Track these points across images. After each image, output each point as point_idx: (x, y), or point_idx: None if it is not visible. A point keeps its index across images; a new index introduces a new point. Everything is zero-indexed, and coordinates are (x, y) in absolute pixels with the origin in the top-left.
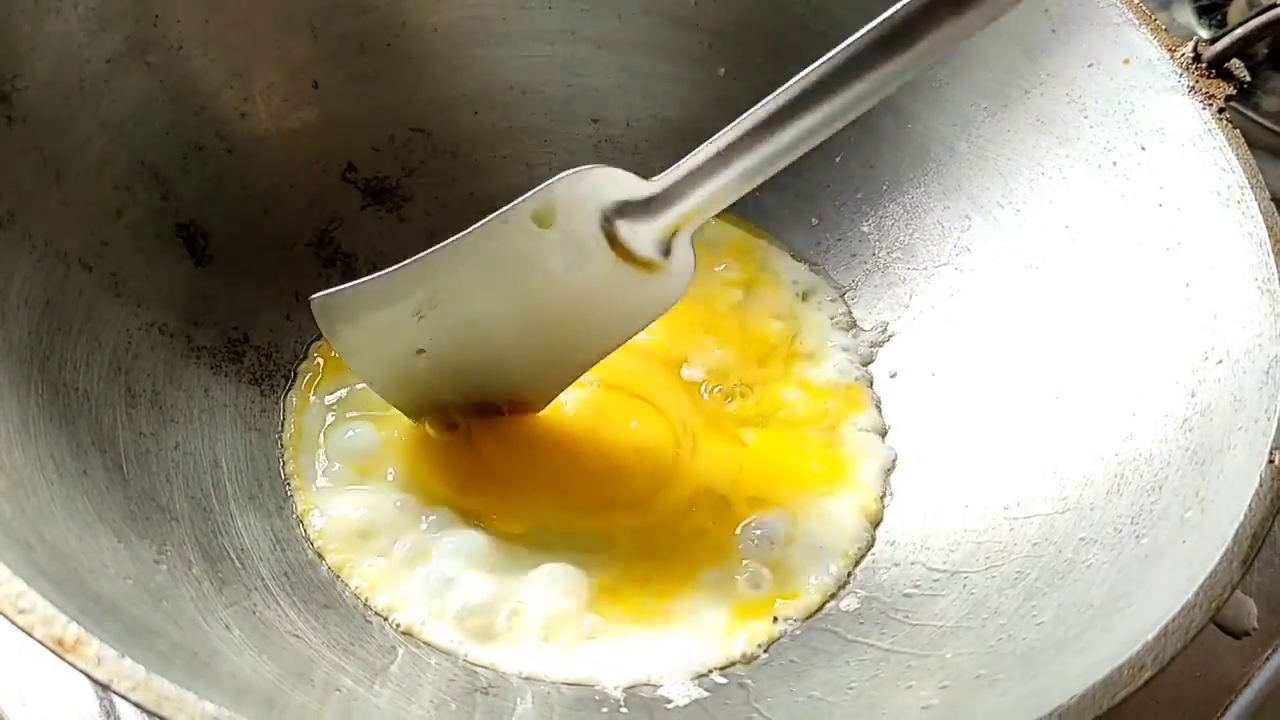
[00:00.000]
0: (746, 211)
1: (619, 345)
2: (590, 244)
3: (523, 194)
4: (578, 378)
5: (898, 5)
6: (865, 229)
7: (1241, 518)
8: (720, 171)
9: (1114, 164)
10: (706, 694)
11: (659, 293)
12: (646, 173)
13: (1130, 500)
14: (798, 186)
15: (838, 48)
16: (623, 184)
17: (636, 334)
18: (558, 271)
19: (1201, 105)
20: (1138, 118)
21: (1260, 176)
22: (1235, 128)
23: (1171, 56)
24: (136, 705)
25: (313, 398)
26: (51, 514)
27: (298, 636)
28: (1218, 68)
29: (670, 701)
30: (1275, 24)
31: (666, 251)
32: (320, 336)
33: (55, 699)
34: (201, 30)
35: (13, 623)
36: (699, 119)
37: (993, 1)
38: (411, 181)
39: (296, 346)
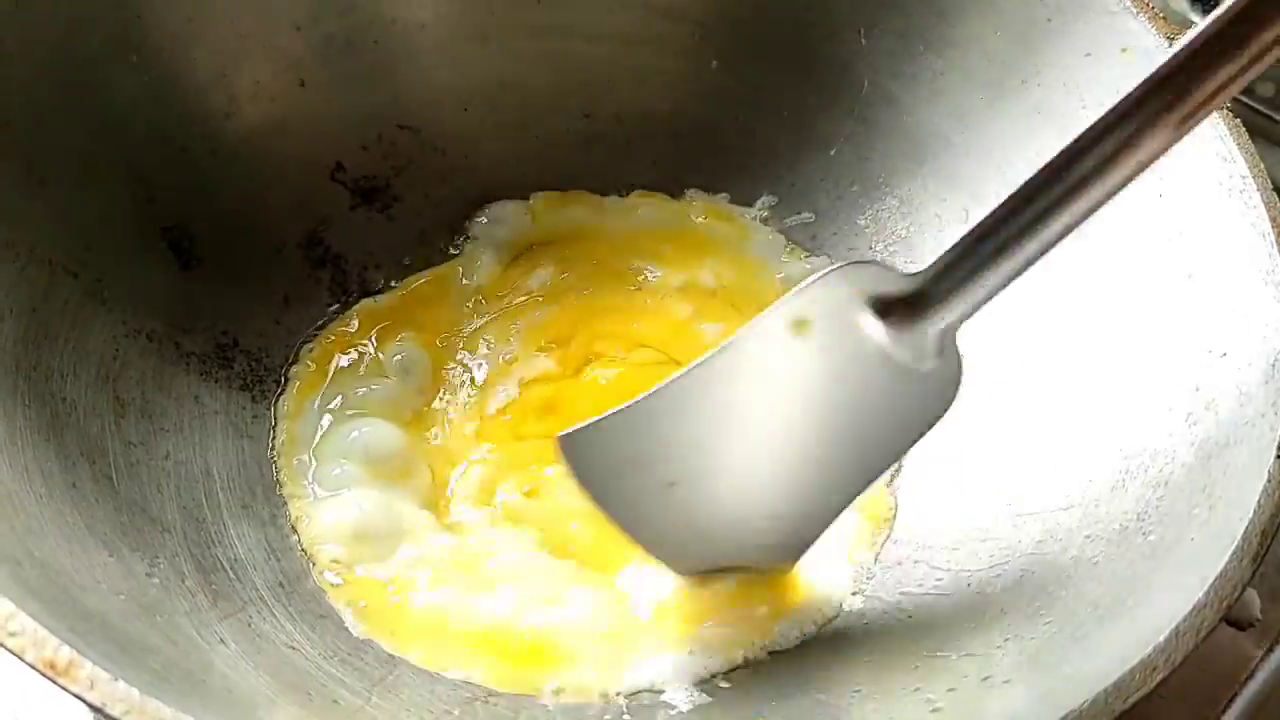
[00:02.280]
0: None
1: (887, 466)
2: (852, 348)
3: (513, 191)
4: (841, 510)
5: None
6: (861, 222)
7: (1250, 514)
8: (993, 258)
9: None
10: (710, 699)
11: (926, 399)
12: (641, 169)
13: (1136, 496)
14: (793, 180)
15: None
16: (882, 279)
17: (907, 451)
18: (819, 383)
19: None
20: None
21: (1262, 166)
22: (1235, 116)
23: (1169, 45)
24: None
25: (305, 403)
26: (40, 529)
27: (294, 649)
28: None
29: (674, 707)
30: None
31: (934, 352)
32: (310, 339)
33: (49, 716)
34: (184, 30)
35: (2, 645)
36: (690, 113)
37: None
38: (401, 180)
39: (287, 351)
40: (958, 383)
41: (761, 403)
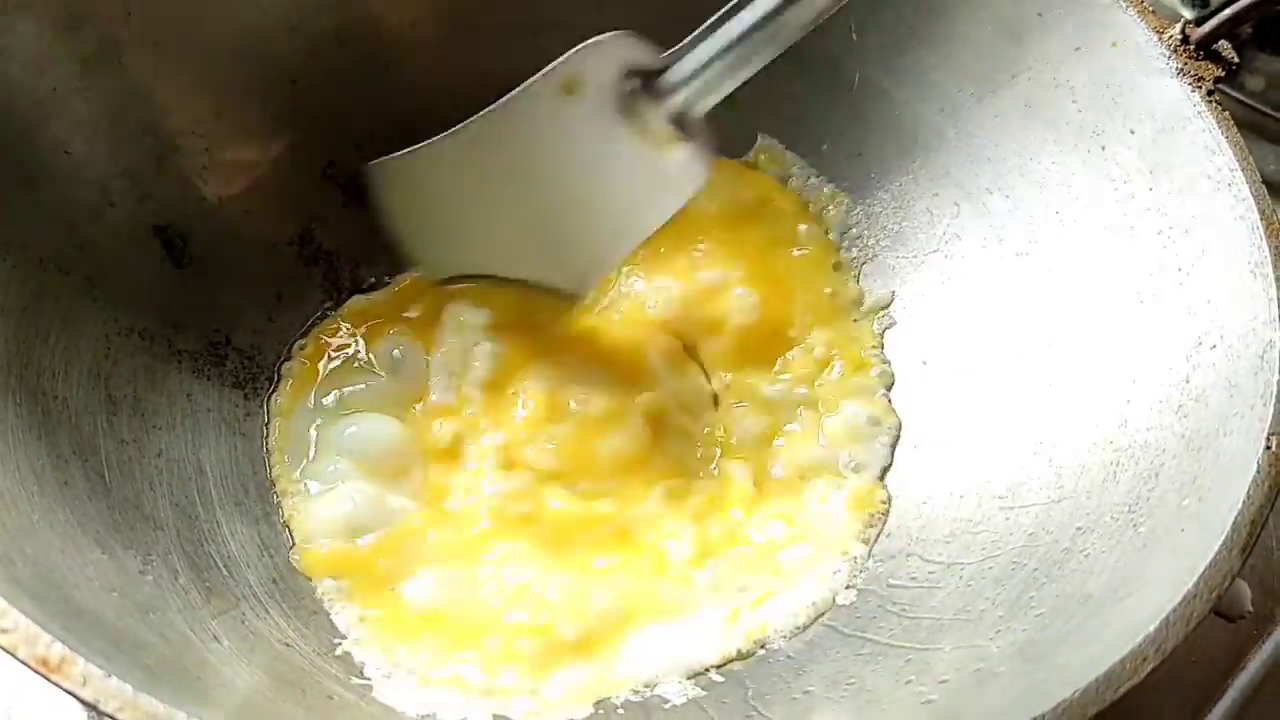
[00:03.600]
0: None
1: (650, 228)
2: (614, 111)
3: None
4: (610, 264)
5: None
6: (853, 218)
7: (1240, 505)
8: (732, 44)
9: (1103, 148)
10: (704, 693)
11: (682, 174)
12: None
13: (1127, 488)
14: (786, 175)
15: None
16: (640, 50)
17: (666, 218)
18: (588, 139)
19: (1190, 88)
20: (1126, 101)
21: (1250, 159)
22: (1224, 109)
23: (1159, 39)
24: None
25: (298, 399)
26: (32, 527)
27: (288, 645)
28: (1205, 49)
29: (668, 701)
30: (1262, 3)
31: (683, 132)
32: (303, 336)
33: (43, 713)
34: (176, 27)
35: None
36: None
37: None
38: None
39: (280, 348)
40: (705, 160)
41: (541, 151)
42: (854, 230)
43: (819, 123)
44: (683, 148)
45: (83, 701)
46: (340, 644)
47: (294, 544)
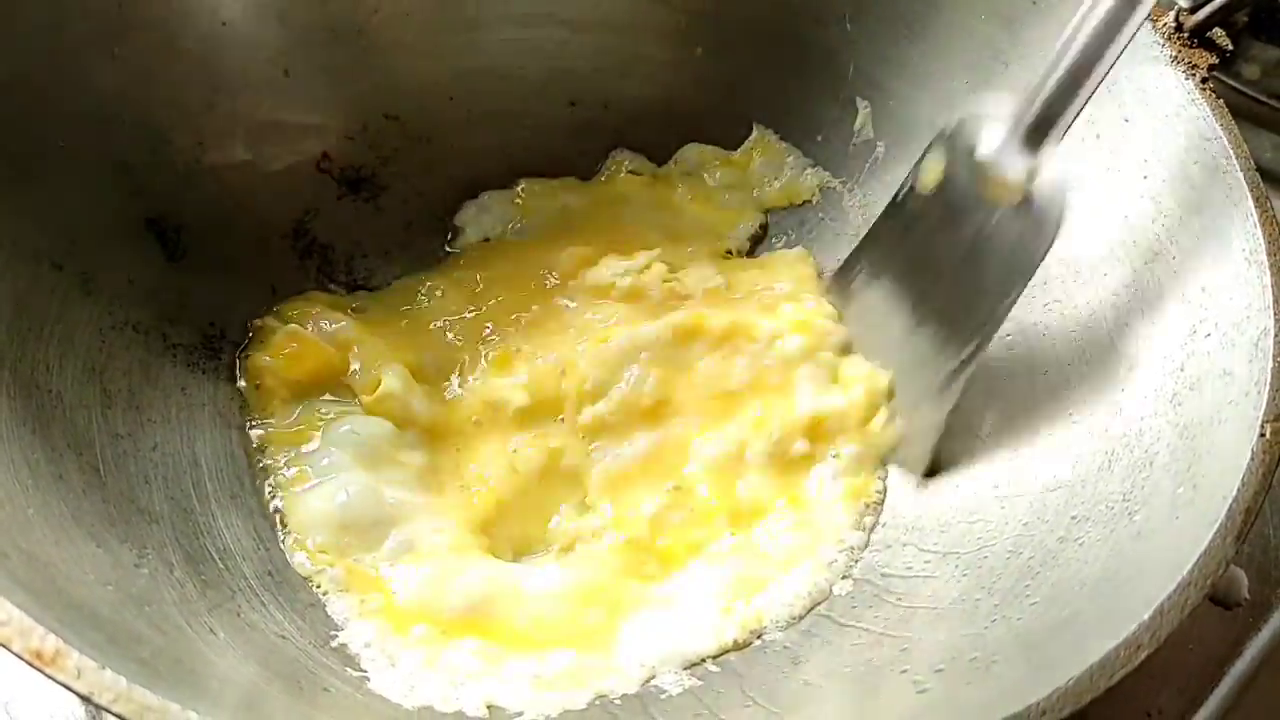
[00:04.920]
0: None
1: (1031, 274)
2: (977, 192)
3: (499, 179)
4: (995, 324)
5: None
6: (848, 206)
7: (1234, 492)
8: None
9: (1098, 136)
10: (700, 683)
11: (1035, 224)
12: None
13: (1121, 477)
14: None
15: None
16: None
17: (1031, 275)
18: (962, 225)
19: (1184, 75)
20: (1120, 89)
21: (1244, 146)
22: (1218, 97)
23: (1153, 26)
24: (119, 717)
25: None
26: (27, 521)
27: (284, 638)
28: (1199, 37)
29: (664, 692)
30: None
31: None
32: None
33: (40, 707)
34: (168, 19)
35: None
36: (677, 99)
37: None
38: (387, 170)
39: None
40: (1061, 197)
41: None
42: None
43: (814, 113)
44: (1040, 187)
45: (77, 694)
46: (336, 636)
47: (293, 539)
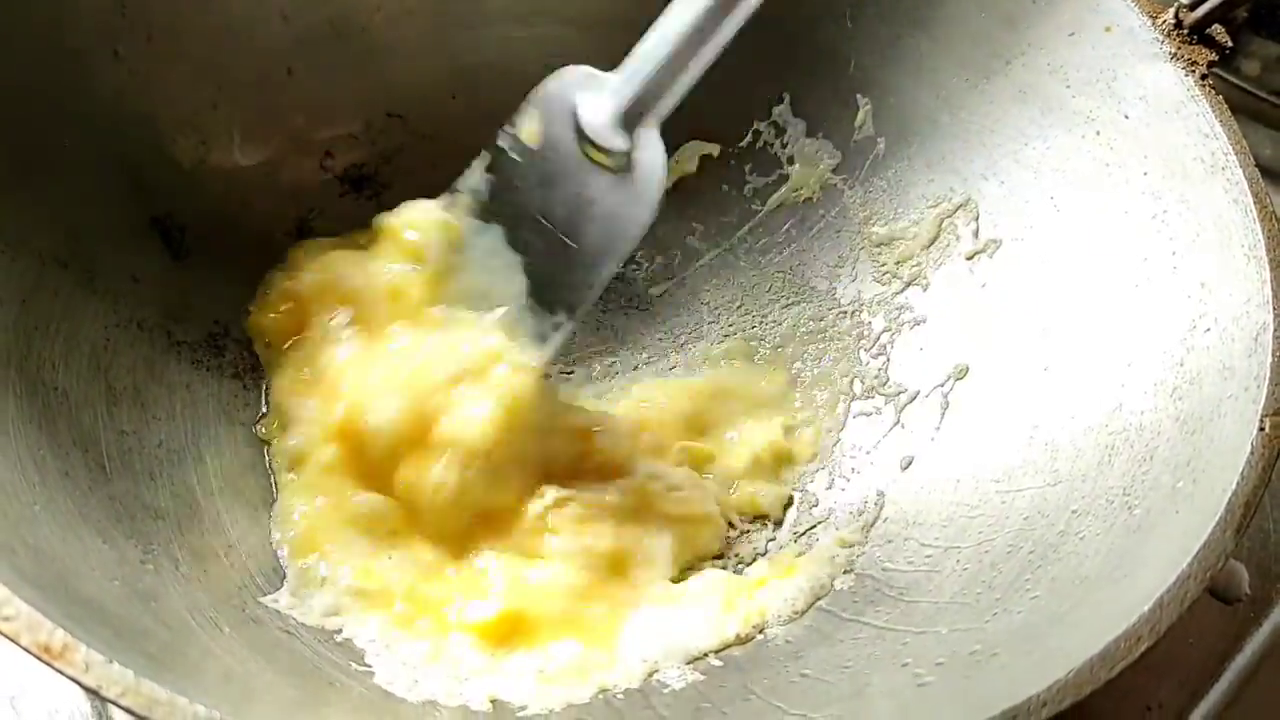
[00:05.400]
0: None
1: (628, 249)
2: (576, 151)
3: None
4: (596, 291)
5: None
6: (849, 204)
7: (1233, 486)
8: (672, 52)
9: (1097, 133)
10: (702, 677)
11: (644, 189)
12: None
13: (1121, 471)
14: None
15: None
16: (585, 78)
17: (639, 235)
18: (561, 183)
19: (1184, 72)
20: (1120, 86)
21: (1244, 142)
22: (1218, 93)
23: (1153, 23)
24: (127, 710)
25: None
26: (34, 517)
27: (289, 632)
28: (1199, 33)
29: (666, 686)
30: None
31: (637, 144)
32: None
33: (46, 702)
34: (171, 19)
35: None
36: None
37: None
38: (390, 168)
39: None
40: (658, 175)
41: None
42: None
43: (814, 109)
44: (641, 162)
45: (85, 687)
46: (341, 630)
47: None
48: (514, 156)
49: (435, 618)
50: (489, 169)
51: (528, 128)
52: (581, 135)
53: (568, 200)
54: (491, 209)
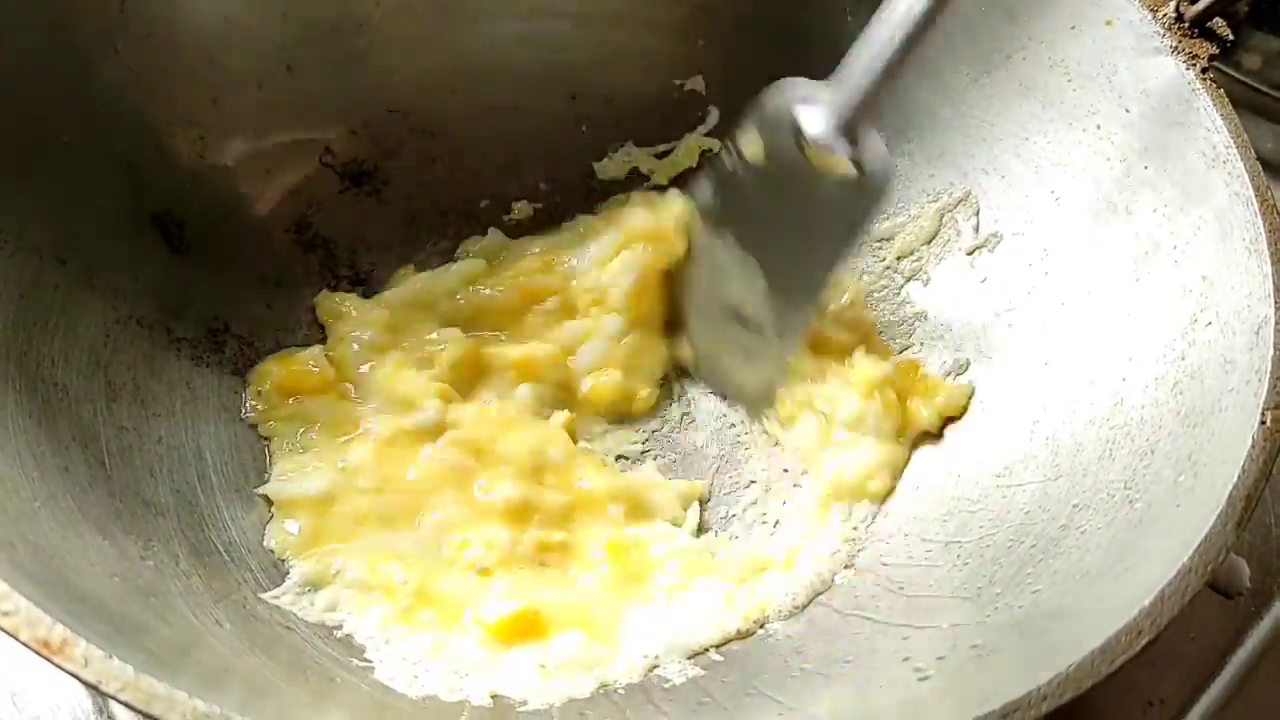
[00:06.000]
0: None
1: (857, 242)
2: (800, 163)
3: (503, 174)
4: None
5: None
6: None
7: (1234, 479)
8: (894, 56)
9: (1098, 127)
10: (703, 672)
11: (866, 192)
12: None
13: (1123, 465)
14: None
15: None
16: (803, 89)
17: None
18: (787, 198)
19: (1185, 65)
20: (1121, 79)
21: (1245, 136)
22: (1219, 87)
23: (1154, 17)
24: (126, 705)
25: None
26: (33, 513)
27: (289, 628)
28: (1200, 27)
29: (668, 681)
30: None
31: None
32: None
33: (47, 698)
34: (170, 15)
35: None
36: (680, 91)
37: None
38: (390, 164)
39: (279, 334)
40: (884, 167)
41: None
42: None
43: None
44: (869, 159)
45: (84, 682)
46: (341, 626)
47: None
48: (739, 175)
49: (441, 611)
50: (717, 184)
51: (751, 147)
52: (805, 147)
53: (798, 205)
54: (722, 220)
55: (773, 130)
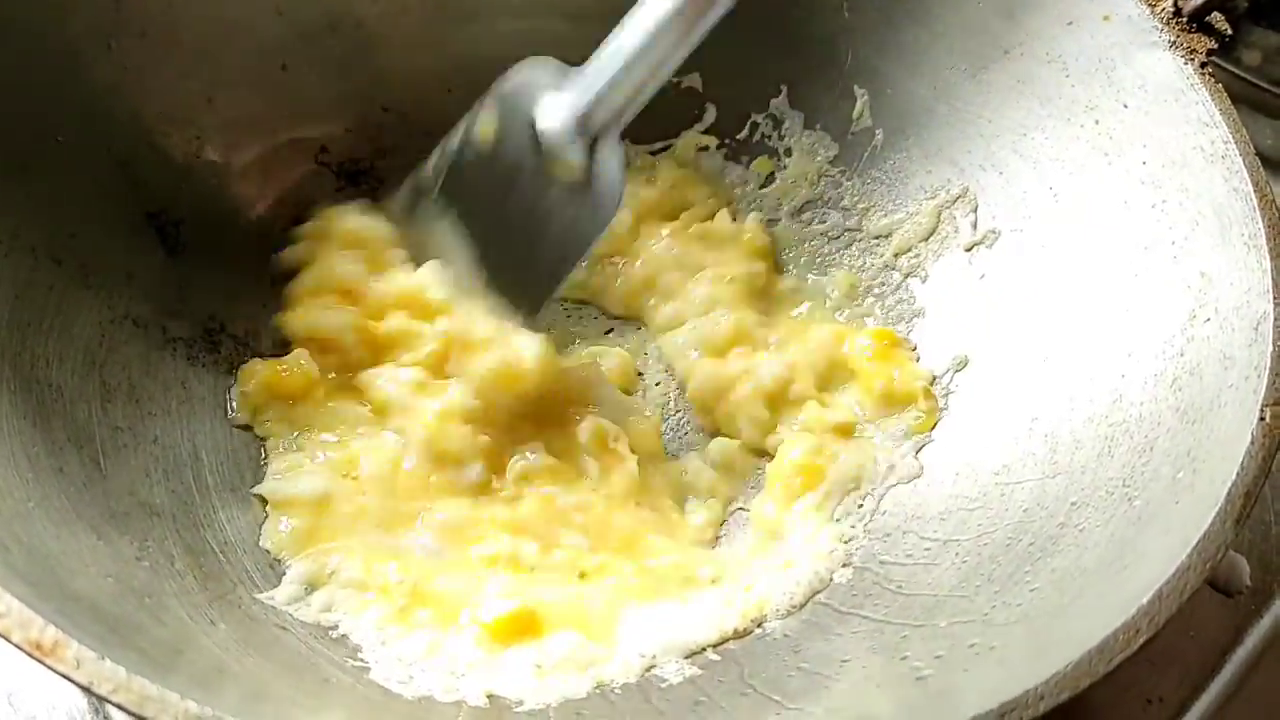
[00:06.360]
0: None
1: (583, 255)
2: (533, 156)
3: None
4: (555, 291)
5: None
6: (847, 194)
7: (1234, 476)
8: (630, 60)
9: (1096, 122)
10: (700, 672)
11: (602, 200)
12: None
13: (1121, 462)
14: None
15: None
16: (549, 75)
17: (595, 243)
18: (519, 186)
19: (1183, 60)
20: (1119, 75)
21: (1244, 131)
22: (1218, 83)
23: (1152, 11)
24: (119, 707)
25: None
26: (28, 513)
27: (284, 629)
28: (1198, 21)
29: (665, 681)
30: None
31: (597, 155)
32: None
33: (43, 698)
34: (165, 13)
35: None
36: (676, 89)
37: None
38: (385, 163)
39: (275, 334)
40: (616, 189)
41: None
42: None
43: (812, 101)
44: (600, 174)
45: (77, 684)
46: (337, 627)
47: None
48: (467, 154)
49: (437, 611)
50: (437, 166)
51: (484, 125)
52: (540, 145)
53: (523, 205)
54: (449, 198)
55: (510, 115)
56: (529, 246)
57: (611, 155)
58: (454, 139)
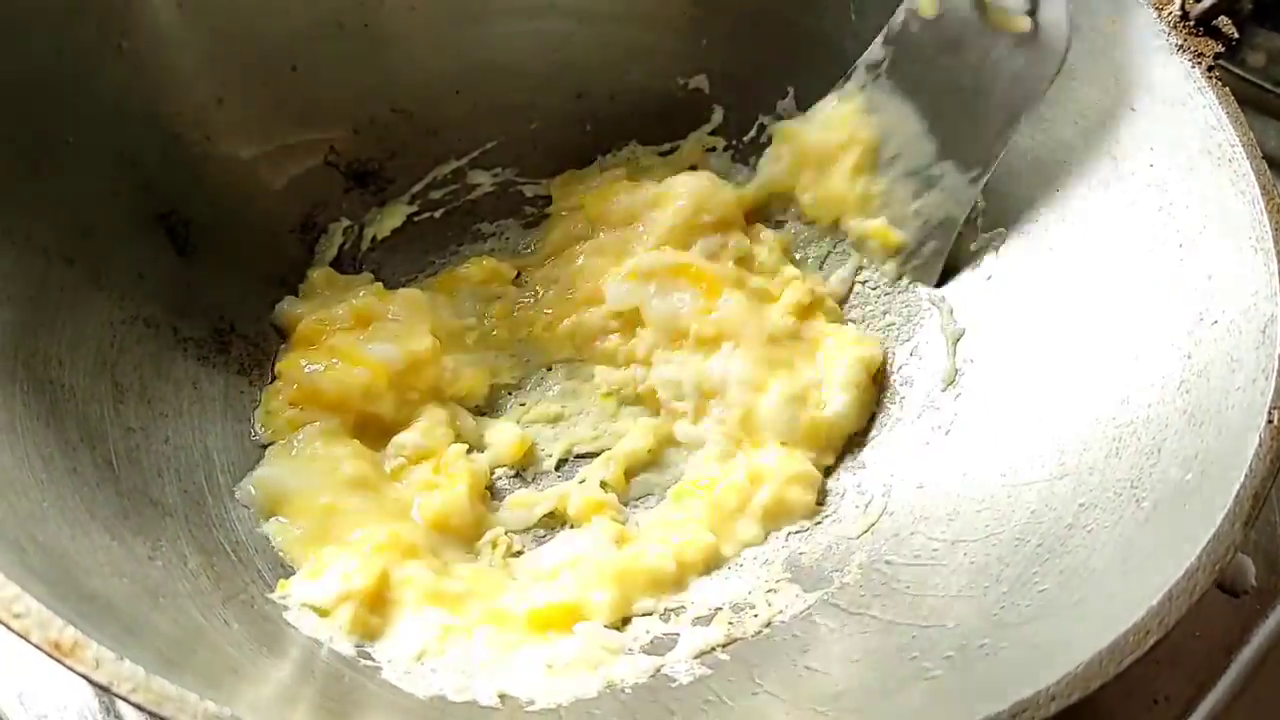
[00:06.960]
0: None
1: (1028, 113)
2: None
3: (507, 170)
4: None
5: None
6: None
7: (1242, 478)
8: None
9: (1103, 124)
10: (710, 671)
11: (1041, 54)
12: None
13: (1129, 464)
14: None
15: None
16: None
17: (1044, 91)
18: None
19: (1190, 63)
20: (1126, 77)
21: (1251, 135)
22: (1224, 85)
23: (1159, 14)
24: (137, 707)
25: None
26: (42, 514)
27: (296, 628)
28: (1205, 24)
29: (675, 680)
30: None
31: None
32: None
33: (53, 697)
34: (176, 15)
35: (8, 627)
36: (684, 90)
37: None
38: (394, 163)
39: (284, 334)
40: (1061, 36)
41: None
42: None
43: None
44: (1045, 21)
45: (95, 684)
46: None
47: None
48: (911, 29)
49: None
50: (887, 40)
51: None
52: (980, 2)
53: (971, 64)
54: (894, 79)
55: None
56: (978, 106)
57: (1053, 2)
58: (896, 18)
